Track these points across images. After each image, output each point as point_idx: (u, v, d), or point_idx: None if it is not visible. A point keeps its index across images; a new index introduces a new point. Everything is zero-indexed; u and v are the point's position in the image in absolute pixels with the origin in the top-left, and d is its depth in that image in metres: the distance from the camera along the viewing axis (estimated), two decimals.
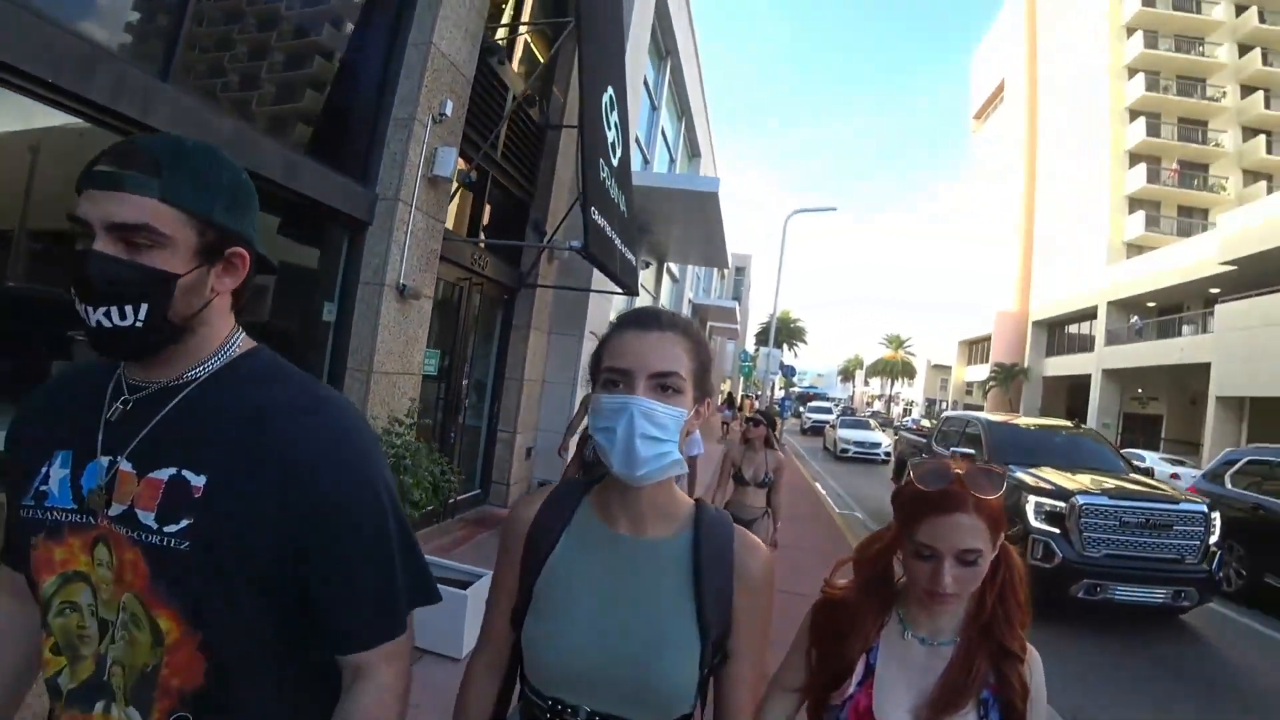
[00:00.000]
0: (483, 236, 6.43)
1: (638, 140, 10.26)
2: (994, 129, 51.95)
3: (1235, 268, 23.67)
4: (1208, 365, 23.75)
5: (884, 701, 1.17)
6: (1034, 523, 5.74)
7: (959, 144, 62.51)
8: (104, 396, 0.87)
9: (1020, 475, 6.22)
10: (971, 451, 7.39)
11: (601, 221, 5.17)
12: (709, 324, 27.19)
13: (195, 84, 3.27)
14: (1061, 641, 5.11)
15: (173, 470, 0.81)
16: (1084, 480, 6.22)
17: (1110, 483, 6.22)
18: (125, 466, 0.82)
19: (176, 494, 0.81)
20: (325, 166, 4.00)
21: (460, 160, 4.97)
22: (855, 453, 21.21)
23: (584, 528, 1.03)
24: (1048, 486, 6.01)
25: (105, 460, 0.83)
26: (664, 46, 11.97)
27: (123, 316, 0.79)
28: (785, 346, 56.15)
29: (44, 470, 0.85)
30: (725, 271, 28.44)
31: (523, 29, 6.76)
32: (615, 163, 5.84)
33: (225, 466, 0.82)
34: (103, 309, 0.78)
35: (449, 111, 4.70)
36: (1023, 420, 9.19)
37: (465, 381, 6.42)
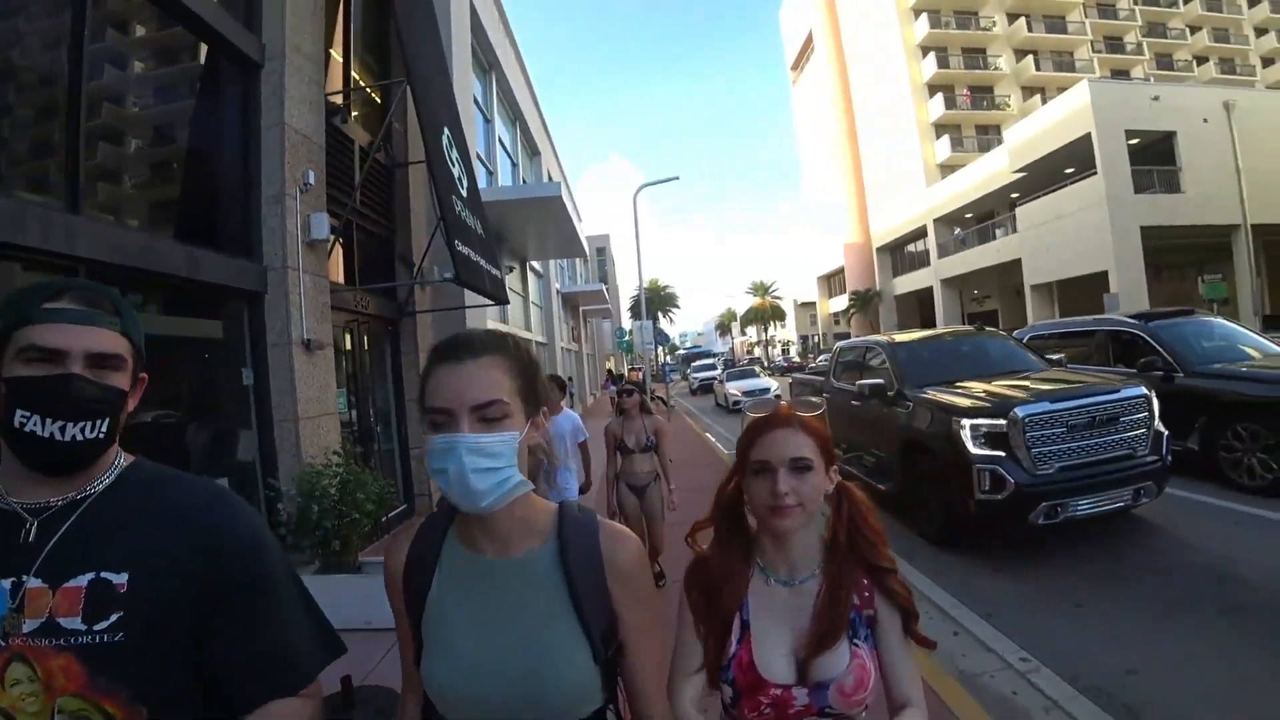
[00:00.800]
0: (356, 283, 7.00)
1: (479, 156, 10.92)
2: (810, 78, 55.66)
3: (1025, 174, 27.33)
4: (1019, 261, 27.42)
5: (763, 651, 1.21)
6: (973, 449, 4.90)
7: (784, 96, 65.83)
8: None
9: (944, 396, 5.54)
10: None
11: (465, 250, 5.96)
12: (581, 308, 28.17)
13: (96, 207, 3.79)
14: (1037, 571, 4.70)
15: (91, 575, 0.88)
16: (1012, 389, 5.39)
17: (1043, 385, 5.42)
18: (34, 583, 0.87)
19: (100, 594, 0.88)
20: (217, 253, 4.57)
21: (328, 218, 5.58)
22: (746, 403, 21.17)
23: (452, 560, 1.03)
24: (980, 404, 5.15)
25: (7, 583, 0.87)
26: (486, 61, 12.61)
27: (92, 430, 0.90)
28: (660, 314, 58.27)
29: None
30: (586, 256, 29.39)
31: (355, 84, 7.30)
32: (464, 193, 6.60)
33: (143, 562, 0.90)
34: (78, 425, 0.89)
35: (312, 180, 5.30)
36: (919, 335, 7.77)
37: (372, 411, 7.04)
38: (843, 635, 1.19)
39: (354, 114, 7.10)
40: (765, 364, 41.78)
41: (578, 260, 27.30)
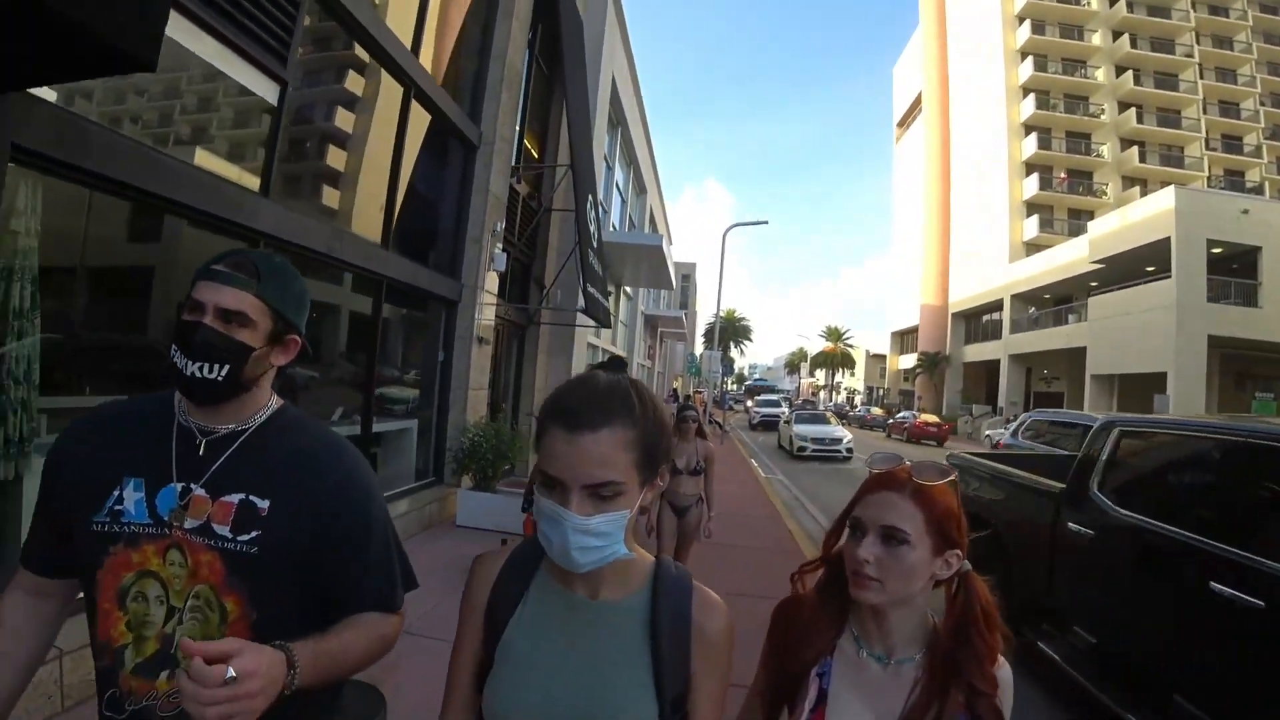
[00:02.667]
0: (506, 297, 9.47)
1: (600, 202, 13.38)
2: (914, 137, 56.74)
3: (1104, 265, 28.08)
4: (1085, 348, 28.17)
5: None
6: None
7: (886, 148, 66.93)
8: (168, 435, 1.12)
9: None
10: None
11: (593, 290, 8.30)
12: (660, 329, 30.52)
13: (358, 228, 6.23)
14: None
15: (242, 495, 1.08)
16: None
17: None
18: (199, 492, 1.08)
19: (247, 513, 1.08)
20: (432, 271, 7.01)
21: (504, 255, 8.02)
22: (814, 451, 18.43)
23: (543, 590, 1.02)
24: None
25: (179, 486, 1.08)
26: (615, 118, 15.12)
27: (210, 371, 1.06)
28: (732, 344, 60.13)
29: (116, 493, 1.07)
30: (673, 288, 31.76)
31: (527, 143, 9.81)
32: (595, 246, 8.97)
33: (281, 492, 1.10)
34: (197, 364, 1.06)
35: (500, 229, 7.76)
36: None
37: (500, 390, 9.48)
38: None
39: (520, 172, 9.62)
40: (845, 412, 41.23)
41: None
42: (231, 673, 0.82)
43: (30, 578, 1.16)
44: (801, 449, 18.38)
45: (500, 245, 7.95)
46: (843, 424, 24.08)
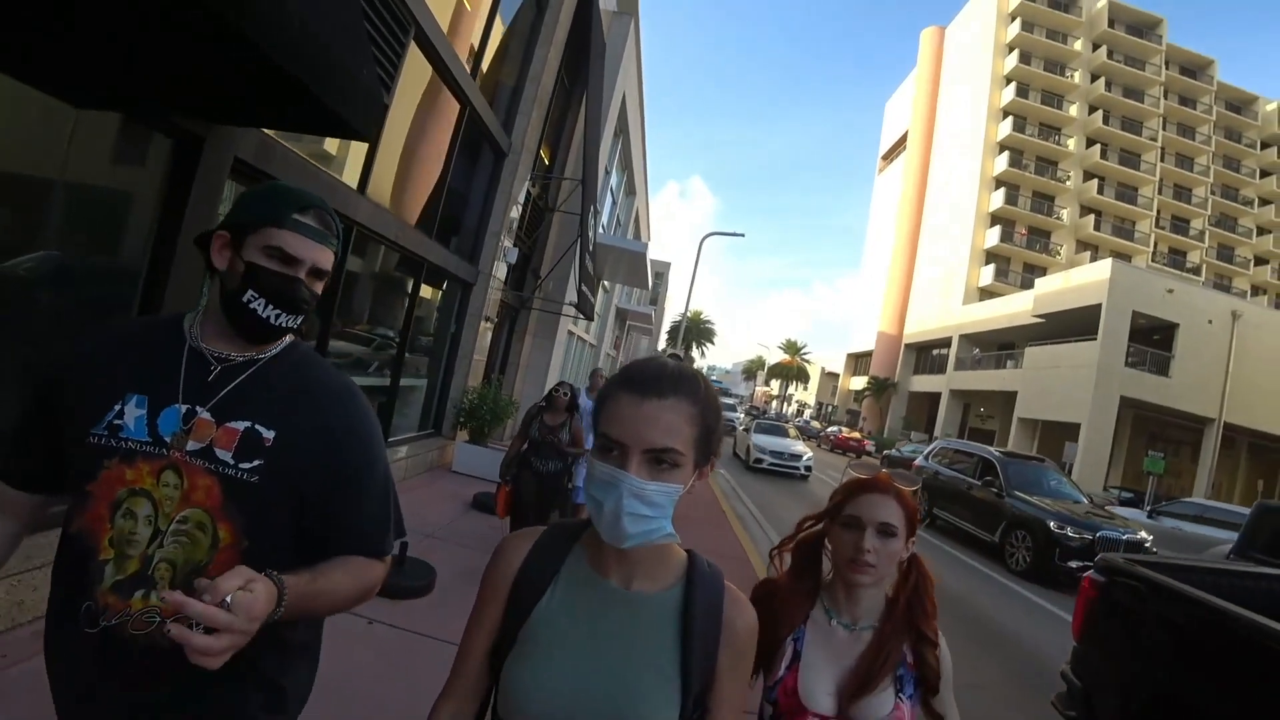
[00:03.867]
0: (507, 282, 10.82)
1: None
2: (895, 172, 59.19)
3: (1044, 320, 30.49)
4: (1016, 393, 30.61)
5: (809, 682, 1.31)
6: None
7: (869, 175, 69.42)
8: (177, 357, 1.11)
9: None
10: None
11: (585, 289, 9.72)
12: (628, 323, 32.00)
13: (382, 202, 7.53)
14: None
15: (248, 423, 1.09)
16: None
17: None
18: (205, 415, 1.08)
19: (251, 441, 1.08)
20: (458, 256, 8.34)
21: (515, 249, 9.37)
22: (771, 464, 17.06)
23: (574, 575, 1.02)
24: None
25: (184, 408, 1.08)
26: (619, 129, 16.47)
27: (294, 321, 1.15)
28: (694, 345, 62.03)
29: (117, 408, 1.06)
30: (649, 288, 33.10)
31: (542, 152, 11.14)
32: (591, 250, 10.38)
33: (287, 425, 1.11)
34: (290, 315, 1.12)
35: (515, 226, 9.11)
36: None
37: (497, 362, 10.84)
38: (880, 684, 1.29)
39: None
40: (816, 426, 43.23)
41: None
42: (229, 599, 0.82)
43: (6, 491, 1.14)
44: (758, 460, 16.99)
45: (512, 240, 9.30)
46: (805, 440, 22.58)
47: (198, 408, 1.08)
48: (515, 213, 9.33)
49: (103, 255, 3.56)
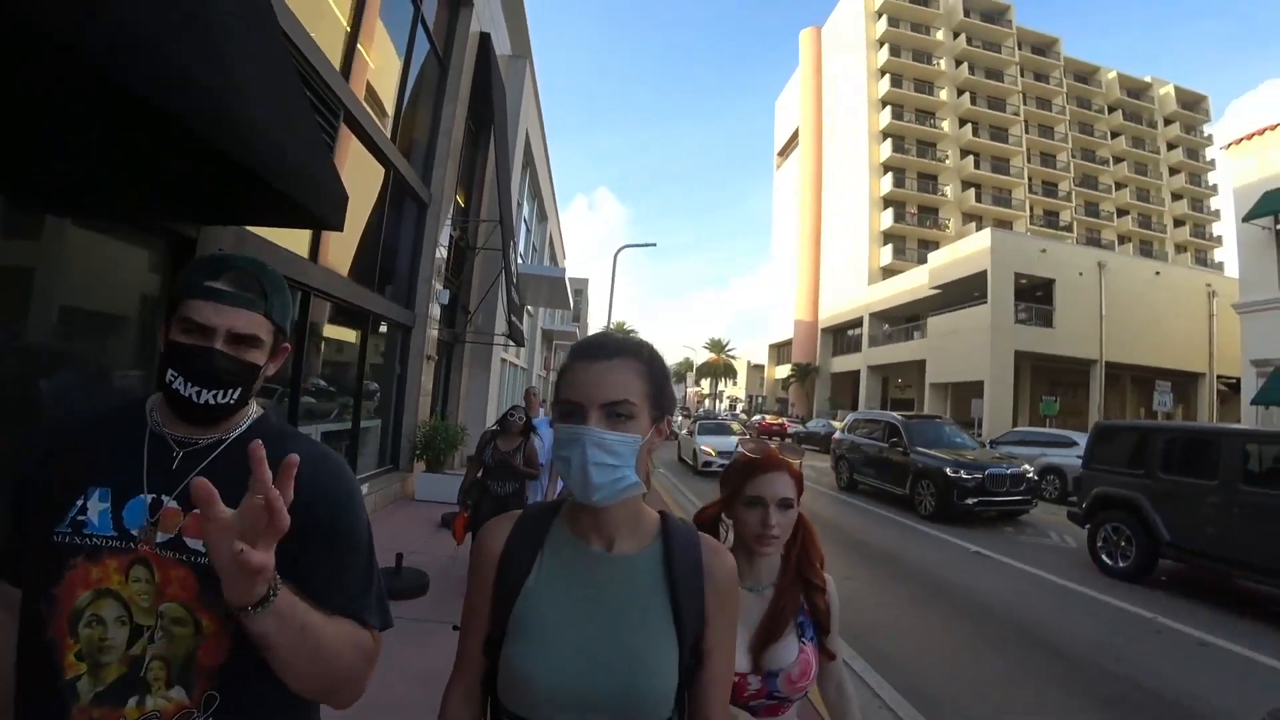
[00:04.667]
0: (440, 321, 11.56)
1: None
2: (791, 167, 62.19)
3: (941, 291, 33.03)
4: (925, 361, 33.03)
5: None
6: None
7: (770, 167, 72.37)
8: (138, 444, 1.05)
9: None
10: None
11: (514, 319, 10.57)
12: (554, 343, 32.80)
13: (331, 265, 8.26)
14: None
15: None
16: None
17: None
18: (171, 504, 1.01)
19: None
20: (397, 304, 9.08)
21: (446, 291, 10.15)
22: (721, 465, 15.12)
23: (559, 547, 1.06)
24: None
25: (149, 498, 1.01)
26: (525, 162, 17.37)
27: (225, 397, 1.04)
28: None
29: (79, 503, 1.00)
30: (570, 307, 33.93)
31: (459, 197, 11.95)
32: (515, 282, 11.24)
33: None
34: (211, 391, 1.03)
35: (442, 270, 9.89)
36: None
37: (440, 396, 11.54)
38: (784, 633, 1.45)
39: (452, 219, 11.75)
40: (743, 419, 45.11)
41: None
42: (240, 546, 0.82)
43: (5, 589, 1.05)
44: (707, 463, 15.83)
45: (442, 283, 10.09)
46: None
47: (163, 496, 1.02)
48: (442, 255, 10.12)
49: (117, 363, 4.20)
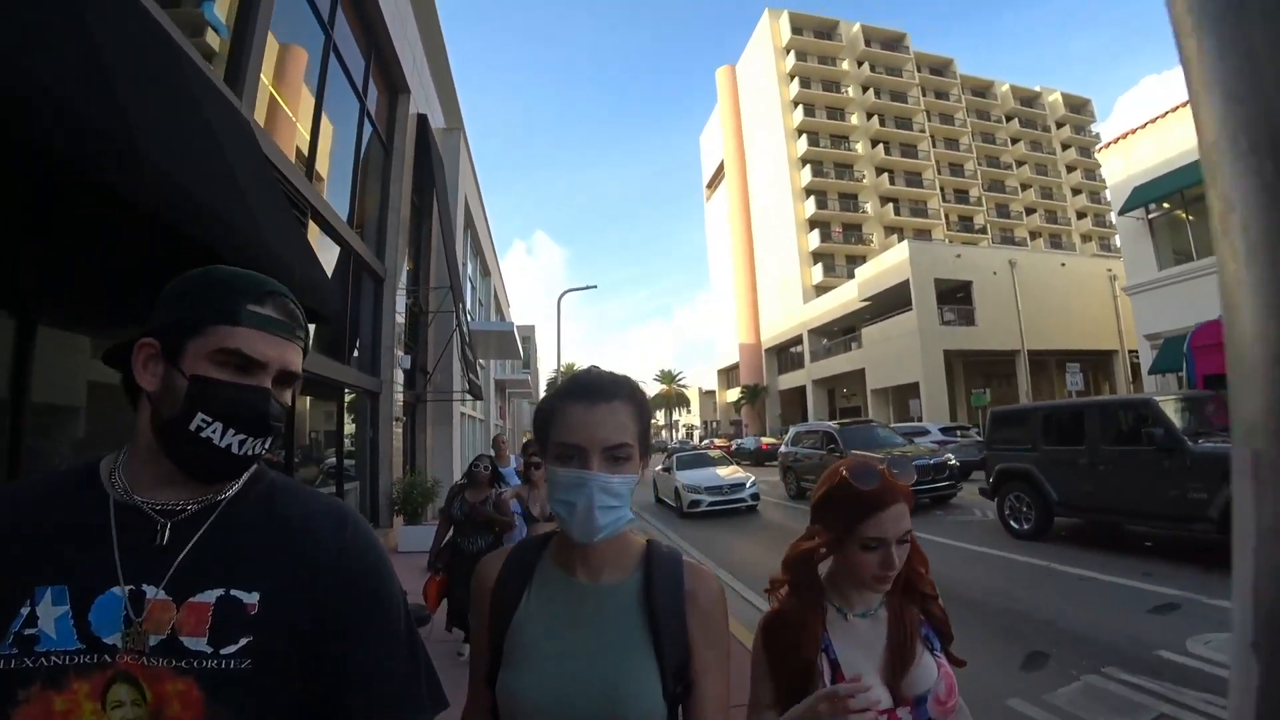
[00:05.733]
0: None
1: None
2: (720, 198, 64.80)
3: (870, 303, 35.04)
4: (864, 369, 34.84)
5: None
6: None
7: (701, 200, 74.89)
8: (102, 521, 0.81)
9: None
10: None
11: (471, 376, 11.41)
12: (508, 392, 33.49)
13: (332, 354, 9.00)
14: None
15: (220, 591, 0.80)
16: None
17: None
18: (159, 595, 0.78)
19: (229, 614, 0.79)
20: (362, 372, 9.82)
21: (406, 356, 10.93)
22: (712, 505, 13.52)
23: (545, 580, 1.07)
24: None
25: (126, 591, 0.78)
26: (466, 223, 18.33)
27: (262, 445, 0.87)
28: None
29: (24, 612, 0.75)
30: (520, 357, 34.68)
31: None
32: (469, 341, 12.10)
33: (274, 580, 0.83)
34: (253, 440, 0.85)
35: (402, 336, 10.70)
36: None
37: (408, 454, 12.23)
38: (919, 651, 1.30)
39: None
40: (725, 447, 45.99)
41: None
42: None
43: None
44: (694, 504, 13.42)
45: (402, 349, 10.89)
46: (736, 462, 18.86)
47: (145, 586, 0.78)
48: (400, 322, 10.93)
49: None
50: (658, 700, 0.98)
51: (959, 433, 19.58)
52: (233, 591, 0.81)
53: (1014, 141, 56.78)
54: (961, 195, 53.11)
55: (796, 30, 52.47)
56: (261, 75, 6.10)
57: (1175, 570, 6.37)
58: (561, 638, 1.02)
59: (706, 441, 42.44)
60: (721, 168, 63.07)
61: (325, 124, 8.49)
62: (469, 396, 13.17)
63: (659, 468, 17.99)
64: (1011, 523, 8.61)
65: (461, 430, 16.94)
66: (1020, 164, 56.32)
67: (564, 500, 0.98)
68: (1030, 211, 55.60)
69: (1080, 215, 57.76)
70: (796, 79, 51.22)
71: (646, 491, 18.31)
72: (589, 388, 1.03)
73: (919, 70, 53.80)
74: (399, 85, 11.51)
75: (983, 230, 51.83)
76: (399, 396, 10.72)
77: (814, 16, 53.40)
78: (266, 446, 0.89)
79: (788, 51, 52.29)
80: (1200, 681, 3.96)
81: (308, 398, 8.33)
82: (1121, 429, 7.48)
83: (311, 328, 1.19)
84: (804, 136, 49.67)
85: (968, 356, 32.02)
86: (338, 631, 0.86)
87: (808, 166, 49.02)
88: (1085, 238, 57.00)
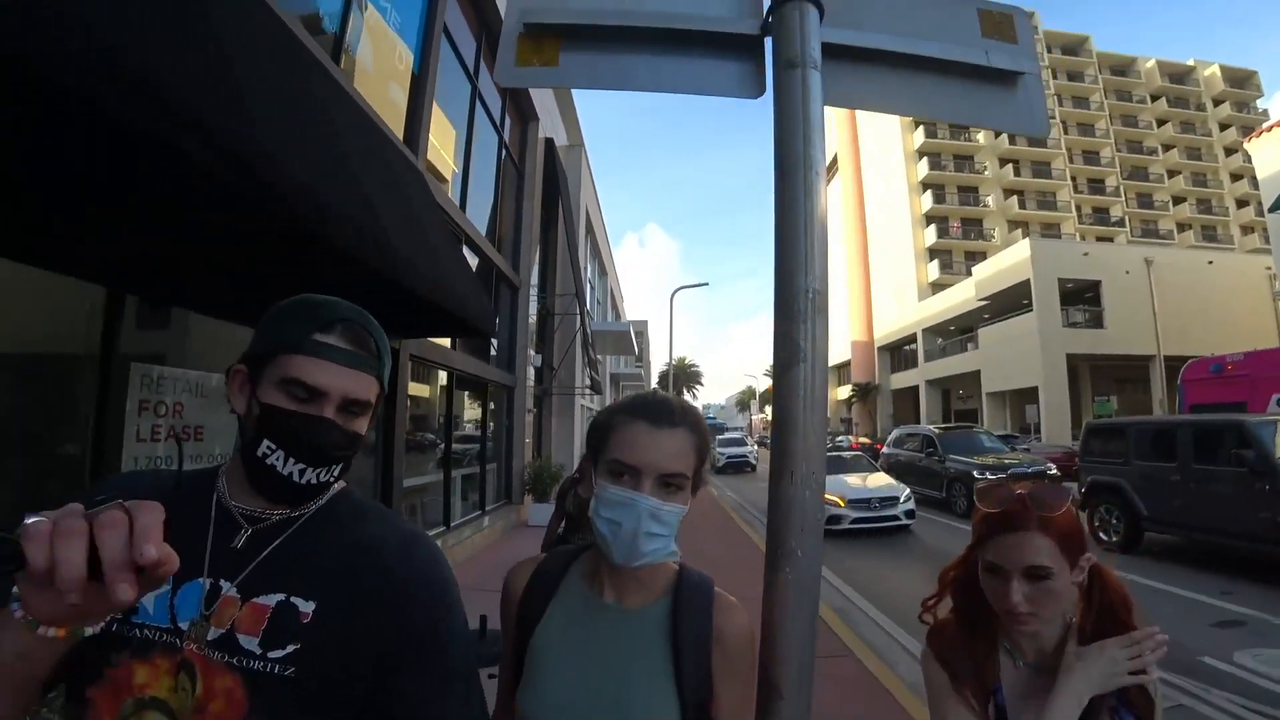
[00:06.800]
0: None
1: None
2: (833, 192, 63.61)
3: (987, 301, 33.89)
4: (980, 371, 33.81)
5: None
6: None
7: None
8: (203, 519, 0.88)
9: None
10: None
11: (594, 374, 12.74)
12: (622, 384, 35.13)
13: (461, 349, 10.52)
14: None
15: (281, 596, 0.84)
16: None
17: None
18: (230, 592, 0.84)
19: (284, 619, 0.83)
20: (504, 370, 11.34)
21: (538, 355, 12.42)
22: (856, 522, 12.05)
23: (570, 596, 1.06)
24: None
25: (207, 583, 0.84)
26: (587, 230, 19.81)
27: (328, 474, 0.90)
28: (685, 389, 65.13)
29: None
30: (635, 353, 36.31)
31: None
32: (591, 342, 13.46)
33: (333, 594, 0.85)
34: (313, 469, 0.87)
35: (532, 337, 12.17)
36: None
37: (537, 442, 13.81)
38: None
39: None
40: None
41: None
42: None
43: None
44: (833, 519, 10.97)
45: (533, 349, 12.38)
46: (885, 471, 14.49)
47: (223, 582, 0.85)
48: (532, 325, 12.44)
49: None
50: None
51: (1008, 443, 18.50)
52: (292, 598, 0.84)
53: (1160, 123, 52.14)
54: (1096, 185, 49.60)
55: None
56: (431, 134, 7.56)
57: (1256, 591, 6.60)
58: (581, 657, 1.01)
59: (842, 439, 41.77)
60: (835, 160, 62.02)
61: (473, 158, 9.98)
62: (590, 391, 14.61)
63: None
64: (1101, 534, 8.91)
65: (581, 421, 18.53)
66: (1168, 148, 51.71)
67: (609, 519, 0.96)
68: (1179, 201, 51.04)
69: (1241, 204, 52.37)
70: None
71: (759, 491, 15.88)
72: (655, 409, 1.01)
73: (1049, 51, 50.53)
74: (529, 114, 12.97)
75: (1120, 223, 48.28)
76: (529, 391, 12.21)
77: None
78: (334, 475, 0.92)
79: None
80: (1232, 685, 4.42)
81: (465, 392, 9.91)
82: (1214, 449, 7.68)
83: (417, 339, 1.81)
84: (920, 128, 48.05)
85: (1095, 361, 30.42)
86: (393, 665, 0.86)
87: (924, 159, 47.51)
88: (1247, 229, 51.64)
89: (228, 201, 2.21)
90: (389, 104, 6.74)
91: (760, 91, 1.32)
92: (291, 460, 0.87)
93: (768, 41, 1.28)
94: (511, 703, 1.04)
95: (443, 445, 8.54)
